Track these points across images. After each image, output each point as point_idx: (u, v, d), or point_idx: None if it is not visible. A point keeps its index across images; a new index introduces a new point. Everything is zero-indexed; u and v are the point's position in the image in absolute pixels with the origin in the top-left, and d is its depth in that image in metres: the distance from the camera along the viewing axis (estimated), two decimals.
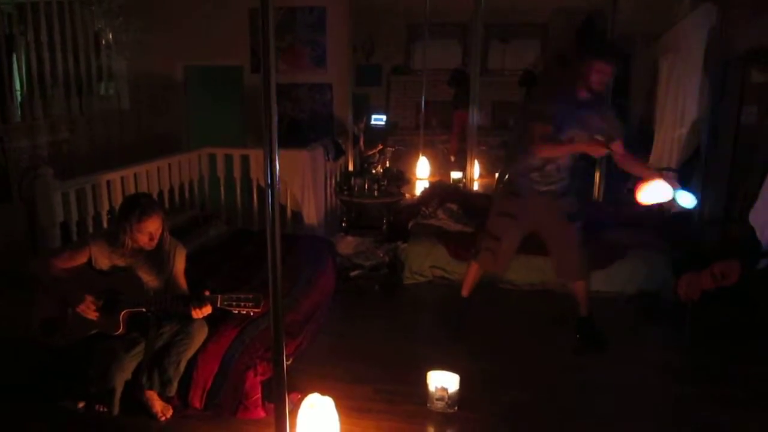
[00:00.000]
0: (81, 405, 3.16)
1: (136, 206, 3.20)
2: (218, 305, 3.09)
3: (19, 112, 5.31)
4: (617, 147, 3.78)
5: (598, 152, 3.87)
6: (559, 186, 3.94)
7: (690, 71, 6.75)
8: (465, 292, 4.36)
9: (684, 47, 7.03)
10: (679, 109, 7.10)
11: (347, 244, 5.84)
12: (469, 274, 4.34)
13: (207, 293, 3.11)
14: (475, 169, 7.07)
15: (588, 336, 4.11)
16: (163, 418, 3.15)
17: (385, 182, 6.71)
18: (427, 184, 7.70)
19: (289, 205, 5.90)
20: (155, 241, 3.25)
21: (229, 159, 5.87)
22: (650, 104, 8.37)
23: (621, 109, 8.18)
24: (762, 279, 4.07)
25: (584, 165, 6.16)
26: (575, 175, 4.02)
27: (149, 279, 3.27)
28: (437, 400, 3.28)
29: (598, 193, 6.46)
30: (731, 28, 5.85)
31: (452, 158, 9.22)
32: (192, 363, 3.20)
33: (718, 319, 4.37)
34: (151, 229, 3.19)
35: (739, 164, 5.69)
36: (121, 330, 3.13)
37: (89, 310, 3.09)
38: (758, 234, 4.41)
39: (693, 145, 6.53)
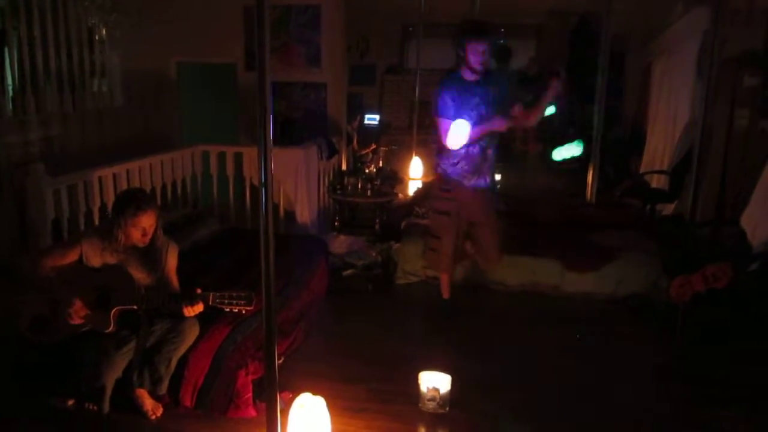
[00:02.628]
0: (71, 403, 3.14)
1: (132, 201, 3.18)
2: (210, 303, 3.08)
3: (11, 108, 5.27)
4: (515, 112, 4.02)
5: (500, 127, 4.02)
6: (484, 180, 4.13)
7: (683, 73, 6.79)
8: (445, 294, 4.47)
9: (677, 50, 7.07)
10: (672, 111, 7.15)
11: (340, 244, 5.84)
12: (441, 277, 4.48)
13: (199, 291, 3.10)
14: None
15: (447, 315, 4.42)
16: (154, 417, 3.14)
17: (378, 182, 6.71)
18: (420, 184, 7.70)
19: (282, 203, 5.89)
20: (148, 237, 3.23)
21: (222, 157, 5.86)
22: (643, 106, 8.41)
23: (613, 110, 8.23)
24: (753, 281, 4.10)
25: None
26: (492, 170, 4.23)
27: (141, 276, 3.25)
28: (429, 400, 3.28)
29: (591, 195, 6.48)
30: (724, 31, 5.88)
31: None
32: (183, 361, 3.18)
33: (710, 321, 4.38)
34: (145, 225, 3.18)
35: (731, 167, 5.72)
36: (111, 328, 3.11)
37: (77, 315, 3.07)
38: (749, 236, 4.45)
39: (685, 146, 6.56)
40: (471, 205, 4.17)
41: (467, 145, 3.99)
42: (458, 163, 4.09)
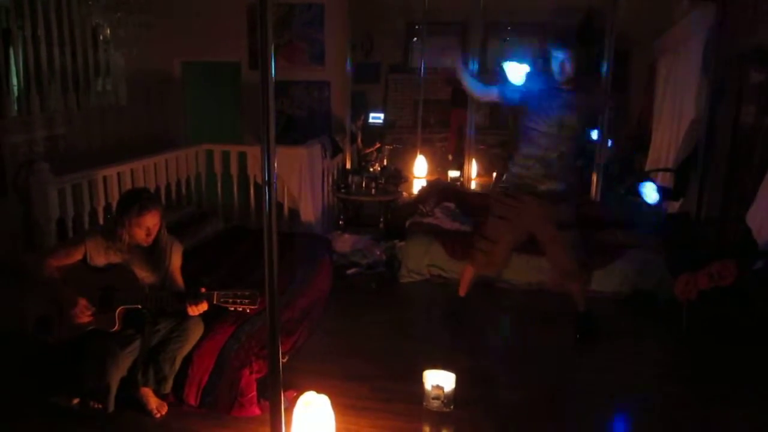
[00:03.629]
0: (75, 401, 3.14)
1: (137, 200, 3.19)
2: (214, 302, 3.08)
3: (16, 107, 5.28)
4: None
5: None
6: (560, 186, 3.93)
7: (689, 71, 6.75)
8: (461, 292, 4.38)
9: (683, 47, 7.03)
10: (677, 108, 7.11)
11: (344, 242, 5.84)
12: (464, 275, 4.37)
13: (203, 290, 3.10)
14: (473, 168, 7.07)
15: (585, 329, 4.16)
16: (158, 415, 3.14)
17: (383, 180, 6.71)
18: (424, 183, 7.70)
19: (286, 202, 5.89)
20: (152, 236, 3.24)
21: (226, 155, 5.86)
22: (649, 103, 8.37)
23: (618, 108, 8.20)
24: (759, 279, 4.08)
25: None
26: (575, 175, 4.09)
27: (145, 276, 3.25)
28: (433, 399, 3.28)
29: (596, 193, 6.46)
30: (730, 28, 5.85)
31: (450, 157, 9.21)
32: (187, 360, 3.19)
33: (715, 319, 4.37)
34: (149, 224, 3.18)
35: (736, 164, 5.69)
36: (116, 327, 3.12)
37: (83, 315, 3.07)
38: (755, 234, 4.42)
39: (691, 144, 6.53)
40: (533, 216, 3.98)
41: (544, 149, 3.87)
42: (532, 166, 3.94)
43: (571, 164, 4.05)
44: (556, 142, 3.86)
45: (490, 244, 4.14)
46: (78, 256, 3.19)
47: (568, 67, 3.81)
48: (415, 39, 9.64)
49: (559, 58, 3.81)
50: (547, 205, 3.94)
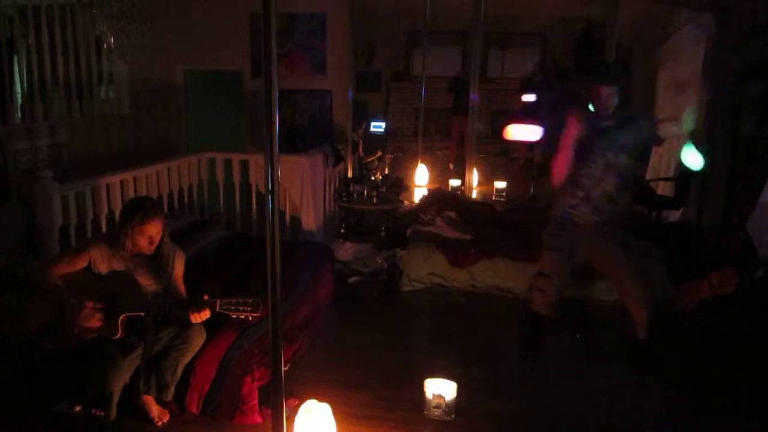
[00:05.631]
0: (78, 409, 3.15)
1: (140, 209, 3.20)
2: (217, 309, 3.08)
3: (20, 115, 5.31)
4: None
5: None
6: (606, 215, 3.74)
7: (688, 81, 6.79)
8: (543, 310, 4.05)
9: (683, 57, 7.07)
10: (677, 118, 7.13)
11: (346, 251, 5.85)
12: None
13: (205, 297, 3.11)
14: (474, 176, 7.09)
15: (639, 361, 3.88)
16: (160, 423, 3.14)
17: (384, 189, 6.73)
18: (425, 192, 7.71)
19: (288, 210, 5.90)
20: (155, 245, 3.25)
21: (228, 164, 5.88)
22: (649, 112, 8.40)
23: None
24: (759, 287, 4.08)
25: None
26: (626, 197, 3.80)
27: (148, 283, 3.26)
28: (434, 407, 3.28)
29: None
30: (729, 39, 5.88)
31: (451, 166, 9.24)
32: (189, 368, 3.19)
33: (716, 328, 4.37)
34: (151, 233, 3.19)
35: (736, 173, 5.71)
36: (119, 334, 3.12)
37: (93, 318, 3.08)
38: (756, 243, 4.43)
39: None
40: (588, 243, 3.77)
41: (588, 188, 3.69)
42: (577, 206, 3.75)
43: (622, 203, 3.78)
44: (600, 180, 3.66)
45: (546, 280, 3.91)
46: (82, 264, 3.20)
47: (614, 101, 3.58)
48: (417, 48, 9.68)
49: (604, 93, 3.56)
50: (596, 228, 3.74)
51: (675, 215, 6.96)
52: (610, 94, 3.57)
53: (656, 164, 7.82)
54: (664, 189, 7.33)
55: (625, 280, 3.78)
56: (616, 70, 3.75)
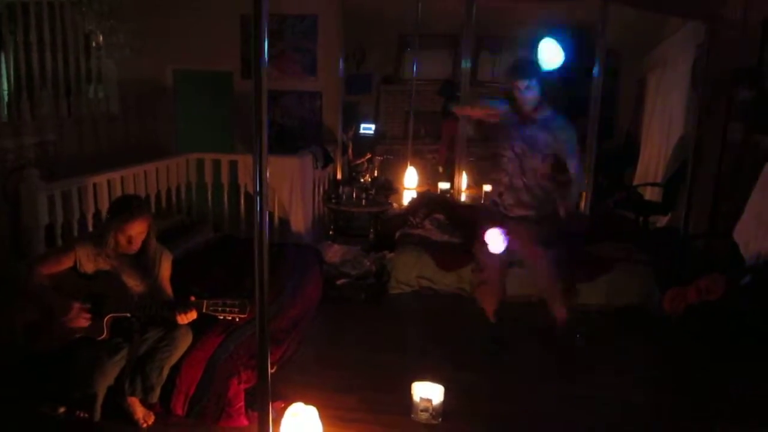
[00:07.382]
0: (61, 410, 3.12)
1: (126, 207, 3.18)
2: (203, 311, 3.07)
3: (6, 113, 5.26)
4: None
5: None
6: (533, 212, 3.90)
7: (677, 87, 6.84)
8: (491, 318, 4.25)
9: (671, 64, 7.11)
10: (666, 124, 7.19)
11: (334, 253, 5.84)
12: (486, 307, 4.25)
13: (192, 299, 3.09)
14: (463, 179, 7.09)
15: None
16: (145, 425, 3.12)
17: (373, 191, 6.72)
18: (414, 194, 7.71)
19: (276, 212, 5.88)
20: (135, 245, 3.20)
21: (217, 164, 5.86)
22: (637, 119, 8.45)
23: (607, 123, 8.26)
24: (746, 294, 4.10)
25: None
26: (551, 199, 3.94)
27: (134, 284, 3.24)
28: (421, 411, 3.27)
29: (585, 206, 6.50)
30: (719, 45, 5.93)
31: (440, 169, 9.23)
32: (175, 369, 3.17)
33: (703, 334, 4.39)
34: (132, 233, 3.15)
35: (724, 180, 5.75)
36: (104, 335, 3.10)
37: (79, 318, 3.05)
38: (742, 250, 4.46)
39: (679, 159, 6.60)
40: (513, 238, 3.87)
41: (511, 178, 3.88)
42: (502, 194, 3.96)
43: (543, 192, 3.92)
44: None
45: (482, 273, 4.12)
46: (68, 263, 3.17)
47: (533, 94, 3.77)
48: (408, 50, 9.68)
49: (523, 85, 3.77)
50: (525, 227, 3.89)
51: (662, 221, 7.00)
52: (528, 88, 3.76)
53: (644, 169, 7.87)
54: (651, 194, 7.38)
55: (542, 277, 4.01)
56: (530, 64, 3.92)
